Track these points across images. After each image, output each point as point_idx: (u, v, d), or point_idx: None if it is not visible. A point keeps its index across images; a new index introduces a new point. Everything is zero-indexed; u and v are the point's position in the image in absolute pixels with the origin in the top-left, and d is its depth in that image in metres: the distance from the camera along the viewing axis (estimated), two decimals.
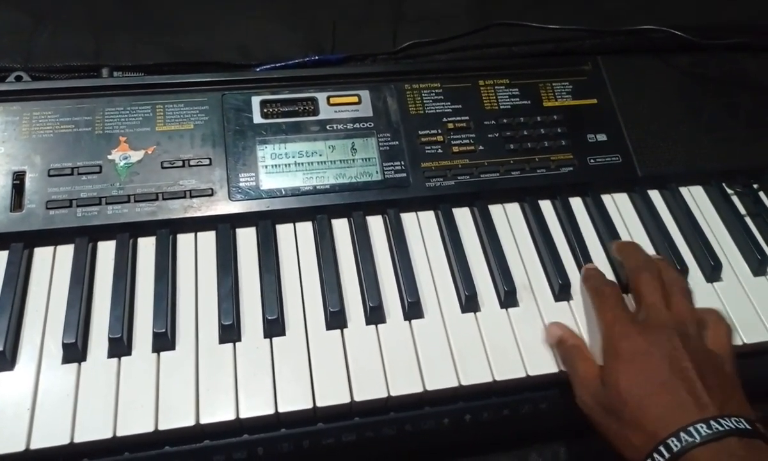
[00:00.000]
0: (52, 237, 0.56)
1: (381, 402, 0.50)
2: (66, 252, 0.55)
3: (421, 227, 0.61)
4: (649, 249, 0.62)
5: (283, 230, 0.59)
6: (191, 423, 0.48)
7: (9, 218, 0.55)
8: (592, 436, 0.49)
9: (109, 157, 0.58)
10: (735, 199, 0.67)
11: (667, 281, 0.54)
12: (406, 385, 0.51)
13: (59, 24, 0.70)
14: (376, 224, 0.61)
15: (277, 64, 0.69)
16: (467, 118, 0.65)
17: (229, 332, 0.52)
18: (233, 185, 0.59)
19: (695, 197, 0.67)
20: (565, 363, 0.52)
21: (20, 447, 0.46)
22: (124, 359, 0.50)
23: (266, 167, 0.60)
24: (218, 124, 0.61)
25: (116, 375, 0.49)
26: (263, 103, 0.63)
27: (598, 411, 0.48)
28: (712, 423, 0.42)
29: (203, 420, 0.48)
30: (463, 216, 0.62)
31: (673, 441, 0.43)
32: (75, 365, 0.50)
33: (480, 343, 0.54)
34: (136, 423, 0.47)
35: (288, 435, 0.50)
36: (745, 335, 0.56)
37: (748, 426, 0.42)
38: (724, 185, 0.67)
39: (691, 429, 0.42)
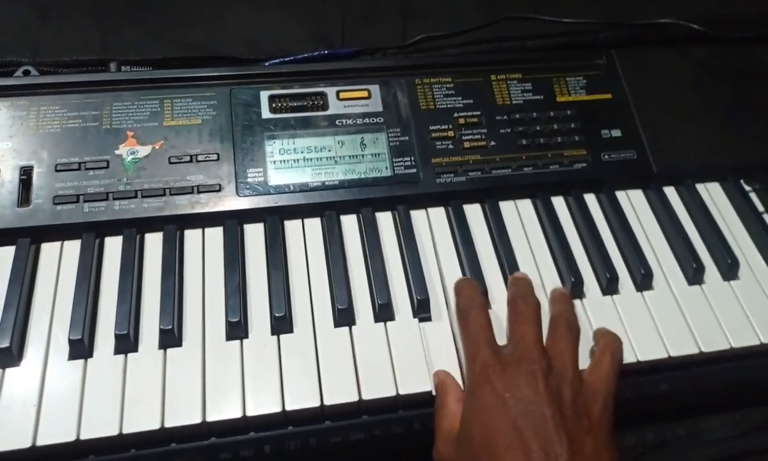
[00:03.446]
0: (59, 233, 0.55)
1: (389, 400, 0.50)
2: (73, 248, 0.55)
3: (431, 224, 0.60)
4: (665, 247, 0.61)
5: (292, 227, 0.59)
6: (198, 420, 0.47)
7: (16, 213, 0.55)
8: None
9: (117, 152, 0.58)
10: (753, 196, 0.65)
11: (554, 314, 0.52)
12: (414, 383, 0.50)
13: (66, 18, 0.70)
14: (385, 220, 0.60)
15: (286, 59, 0.69)
16: (479, 113, 0.64)
17: (236, 329, 0.51)
18: (241, 180, 0.58)
19: (712, 193, 0.65)
20: None
21: (26, 444, 0.45)
22: (130, 355, 0.50)
23: (274, 162, 0.59)
24: (226, 119, 0.61)
25: (123, 371, 0.49)
26: (272, 98, 0.62)
27: None
28: None
29: (210, 418, 0.47)
30: (474, 213, 0.61)
31: None
32: (81, 361, 0.49)
33: None
34: (142, 420, 0.47)
35: (295, 432, 0.49)
36: (763, 335, 0.55)
37: None
38: (741, 181, 0.66)
39: None
